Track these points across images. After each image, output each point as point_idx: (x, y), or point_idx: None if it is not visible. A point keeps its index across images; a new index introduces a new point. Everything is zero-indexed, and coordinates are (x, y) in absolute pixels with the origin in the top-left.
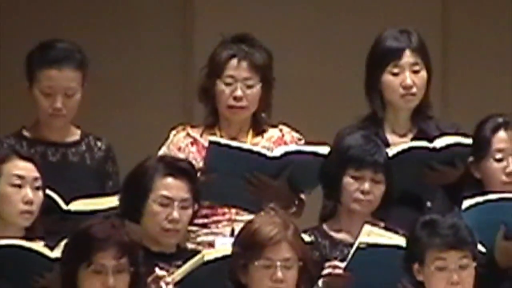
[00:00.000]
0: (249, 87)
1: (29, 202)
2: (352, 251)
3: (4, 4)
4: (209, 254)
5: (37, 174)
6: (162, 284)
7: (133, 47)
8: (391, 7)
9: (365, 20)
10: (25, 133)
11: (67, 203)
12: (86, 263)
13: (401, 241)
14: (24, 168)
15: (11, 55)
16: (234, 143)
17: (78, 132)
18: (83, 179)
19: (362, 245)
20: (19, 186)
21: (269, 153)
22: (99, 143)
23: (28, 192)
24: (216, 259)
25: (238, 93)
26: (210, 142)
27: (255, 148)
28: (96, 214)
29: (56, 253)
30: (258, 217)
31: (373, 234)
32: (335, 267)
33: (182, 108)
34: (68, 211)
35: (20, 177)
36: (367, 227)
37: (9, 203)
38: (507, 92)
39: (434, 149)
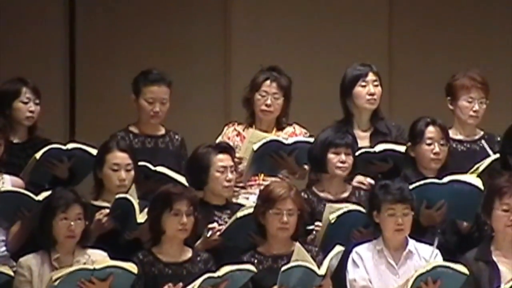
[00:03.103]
0: (276, 99)
1: (121, 180)
2: (324, 228)
3: (113, 51)
4: (240, 212)
5: (128, 161)
6: (215, 229)
7: (188, 75)
8: (354, 44)
9: (340, 56)
10: (131, 128)
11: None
12: (168, 209)
13: (356, 207)
14: (120, 157)
15: (120, 81)
16: (271, 137)
17: (163, 129)
18: (167, 159)
19: (332, 220)
20: (116, 170)
21: (286, 141)
22: (176, 136)
23: (122, 174)
24: (245, 215)
25: (268, 102)
26: (261, 145)
27: (278, 138)
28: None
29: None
30: (273, 182)
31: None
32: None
33: (224, 113)
34: (155, 171)
35: (116, 164)
36: (328, 208)
37: (110, 181)
38: (431, 102)
39: (374, 152)
